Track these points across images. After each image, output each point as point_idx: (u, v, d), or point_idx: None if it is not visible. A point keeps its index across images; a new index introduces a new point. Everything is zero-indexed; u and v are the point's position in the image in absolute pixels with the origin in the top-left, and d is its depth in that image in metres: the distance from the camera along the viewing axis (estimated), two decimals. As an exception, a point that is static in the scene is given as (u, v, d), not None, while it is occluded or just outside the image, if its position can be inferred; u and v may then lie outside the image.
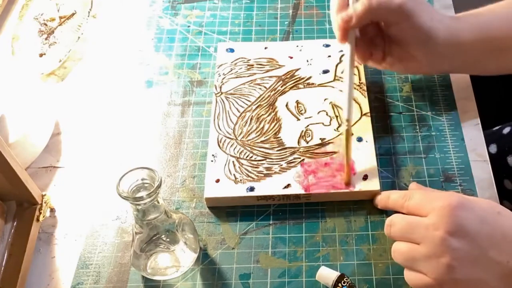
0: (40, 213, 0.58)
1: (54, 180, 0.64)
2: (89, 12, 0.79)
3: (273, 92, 0.68)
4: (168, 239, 0.53)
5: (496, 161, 0.63)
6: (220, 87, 0.68)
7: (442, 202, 0.49)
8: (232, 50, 0.72)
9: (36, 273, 0.57)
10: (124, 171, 0.48)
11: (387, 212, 0.59)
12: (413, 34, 0.60)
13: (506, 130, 0.80)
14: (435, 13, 0.61)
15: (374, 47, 0.63)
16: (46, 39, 0.76)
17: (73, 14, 0.79)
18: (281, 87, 0.68)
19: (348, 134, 0.59)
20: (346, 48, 0.61)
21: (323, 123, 0.65)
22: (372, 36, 0.63)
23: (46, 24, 0.78)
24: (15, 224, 0.57)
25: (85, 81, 0.73)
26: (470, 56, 0.63)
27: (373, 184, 0.59)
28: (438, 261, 0.47)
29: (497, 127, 0.82)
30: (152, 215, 0.50)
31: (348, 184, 0.59)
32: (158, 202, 0.49)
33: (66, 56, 0.74)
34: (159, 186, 0.47)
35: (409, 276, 0.51)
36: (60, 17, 0.79)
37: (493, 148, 0.78)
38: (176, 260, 0.54)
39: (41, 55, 0.75)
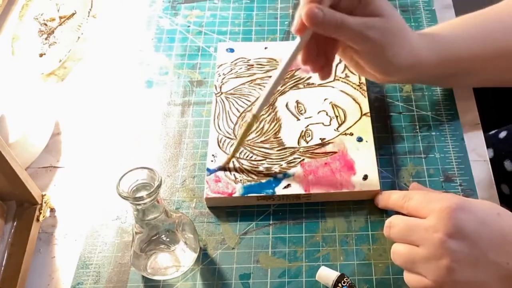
0: (40, 213, 0.58)
1: (54, 180, 0.64)
2: (89, 12, 0.79)
3: (273, 92, 0.68)
4: (168, 239, 0.53)
5: (493, 166, 0.63)
6: (220, 87, 0.68)
7: (442, 204, 0.49)
8: (232, 50, 0.72)
9: (36, 273, 0.57)
10: (124, 171, 0.48)
11: (387, 212, 0.59)
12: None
13: (503, 135, 0.79)
14: None
15: (322, 51, 0.57)
16: (46, 39, 0.76)
17: (73, 14, 0.79)
18: (281, 87, 0.68)
19: (249, 127, 0.58)
20: (296, 42, 0.55)
21: (323, 123, 0.64)
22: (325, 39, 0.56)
23: (46, 24, 0.78)
24: (15, 224, 0.57)
25: (85, 81, 0.73)
26: (429, 74, 0.62)
27: (373, 184, 0.59)
28: (437, 263, 0.47)
29: (493, 132, 0.82)
30: (152, 215, 0.50)
31: (225, 164, 0.60)
32: (158, 202, 0.49)
33: (66, 56, 0.74)
34: (159, 186, 0.47)
35: (408, 278, 0.50)
36: (60, 17, 0.79)
37: (490, 153, 0.78)
38: (176, 260, 0.54)
39: (41, 55, 0.75)
